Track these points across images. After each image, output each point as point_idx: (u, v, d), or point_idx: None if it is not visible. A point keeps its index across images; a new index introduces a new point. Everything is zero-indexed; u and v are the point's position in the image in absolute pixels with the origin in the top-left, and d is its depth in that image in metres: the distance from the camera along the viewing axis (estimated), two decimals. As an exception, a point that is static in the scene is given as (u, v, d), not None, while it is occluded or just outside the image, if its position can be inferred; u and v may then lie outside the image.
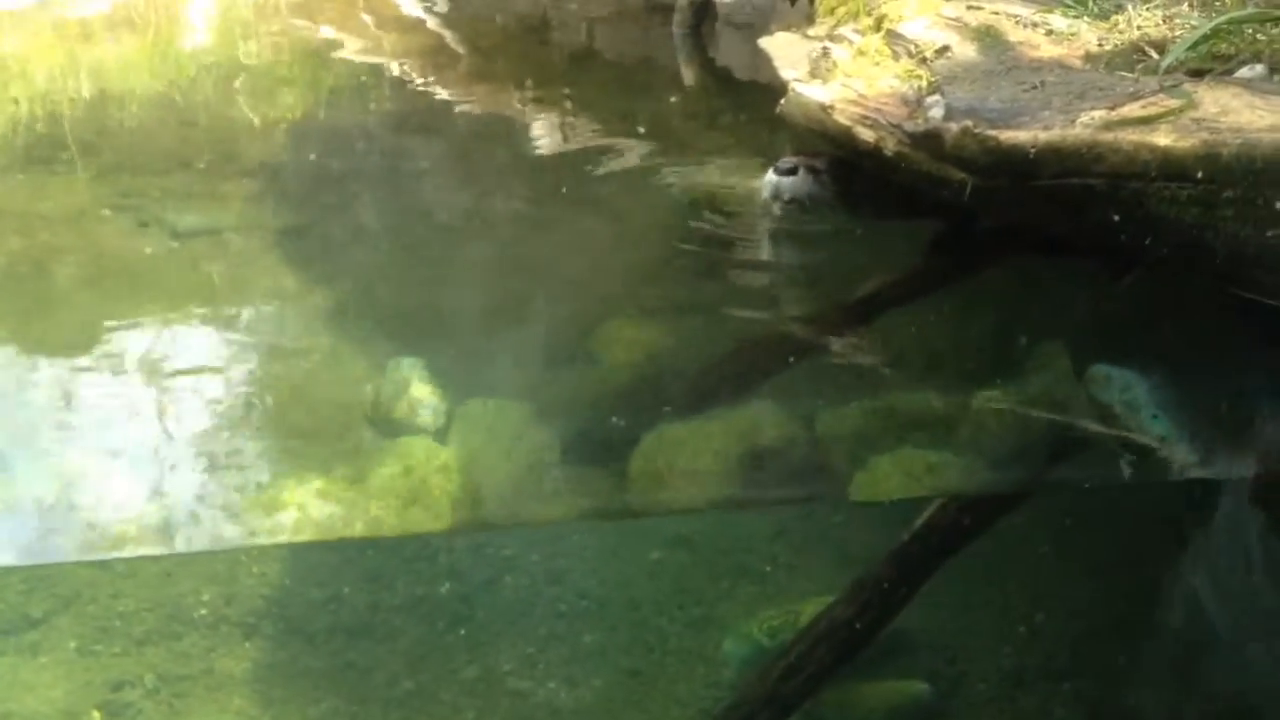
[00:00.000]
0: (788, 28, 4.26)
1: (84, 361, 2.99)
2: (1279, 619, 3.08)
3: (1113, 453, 2.54)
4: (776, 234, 3.37)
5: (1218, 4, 2.85)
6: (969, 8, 3.16)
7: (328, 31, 6.73)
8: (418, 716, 3.43)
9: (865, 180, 3.10)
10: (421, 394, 2.77)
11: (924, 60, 2.99)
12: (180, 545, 2.51)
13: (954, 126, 2.67)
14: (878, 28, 3.21)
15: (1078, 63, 2.84)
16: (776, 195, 3.27)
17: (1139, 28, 2.87)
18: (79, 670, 3.48)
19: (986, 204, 2.78)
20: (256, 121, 5.06)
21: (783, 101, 3.26)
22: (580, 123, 4.77)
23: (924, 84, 2.91)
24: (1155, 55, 2.72)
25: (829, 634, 2.93)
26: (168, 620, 3.60)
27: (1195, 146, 2.32)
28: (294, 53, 6.37)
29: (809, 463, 2.64)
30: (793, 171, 3.23)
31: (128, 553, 2.50)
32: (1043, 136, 2.54)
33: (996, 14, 3.13)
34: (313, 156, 4.67)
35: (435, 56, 6.16)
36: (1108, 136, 2.45)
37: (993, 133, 2.61)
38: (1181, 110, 2.43)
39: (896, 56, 3.08)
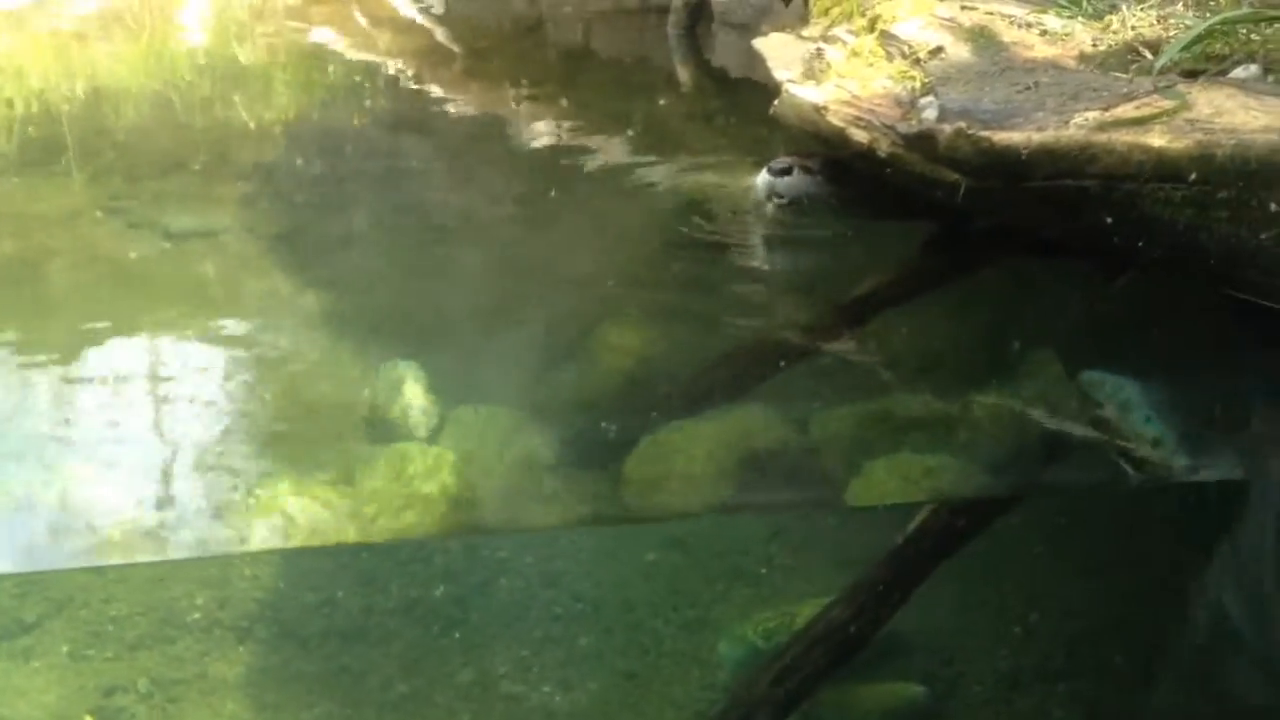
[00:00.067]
0: (783, 28, 4.25)
1: (76, 365, 2.98)
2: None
3: (1106, 456, 2.53)
4: (770, 235, 3.36)
5: (1212, 4, 2.84)
6: (963, 8, 3.15)
7: (322, 32, 6.72)
8: (412, 721, 3.42)
9: (859, 181, 3.09)
10: (415, 397, 2.76)
11: (918, 61, 2.98)
12: (172, 551, 2.50)
13: (947, 128, 2.66)
14: (871, 28, 3.20)
15: (1072, 63, 2.83)
16: (770, 196, 3.26)
17: (1133, 28, 2.86)
18: (71, 675, 3.47)
19: (980, 205, 2.77)
20: (251, 123, 5.05)
21: (776, 102, 3.25)
22: (575, 123, 4.76)
23: (917, 85, 2.91)
24: (1149, 56, 2.71)
25: (824, 637, 2.92)
26: (161, 624, 3.59)
27: (1189, 147, 2.31)
28: (288, 54, 6.36)
29: (805, 467, 2.63)
30: (786, 172, 3.22)
31: (119, 559, 2.48)
32: (1036, 138, 2.53)
33: (990, 14, 3.11)
34: (307, 158, 4.67)
35: (430, 57, 6.15)
36: (1101, 137, 2.44)
37: (986, 134, 2.60)
38: (1175, 111, 2.42)
39: (890, 57, 3.07)
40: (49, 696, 3.42)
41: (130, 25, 7.01)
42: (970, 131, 2.62)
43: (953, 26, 3.09)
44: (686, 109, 5.14)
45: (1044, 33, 3.00)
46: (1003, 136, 2.58)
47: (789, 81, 3.21)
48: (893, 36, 3.11)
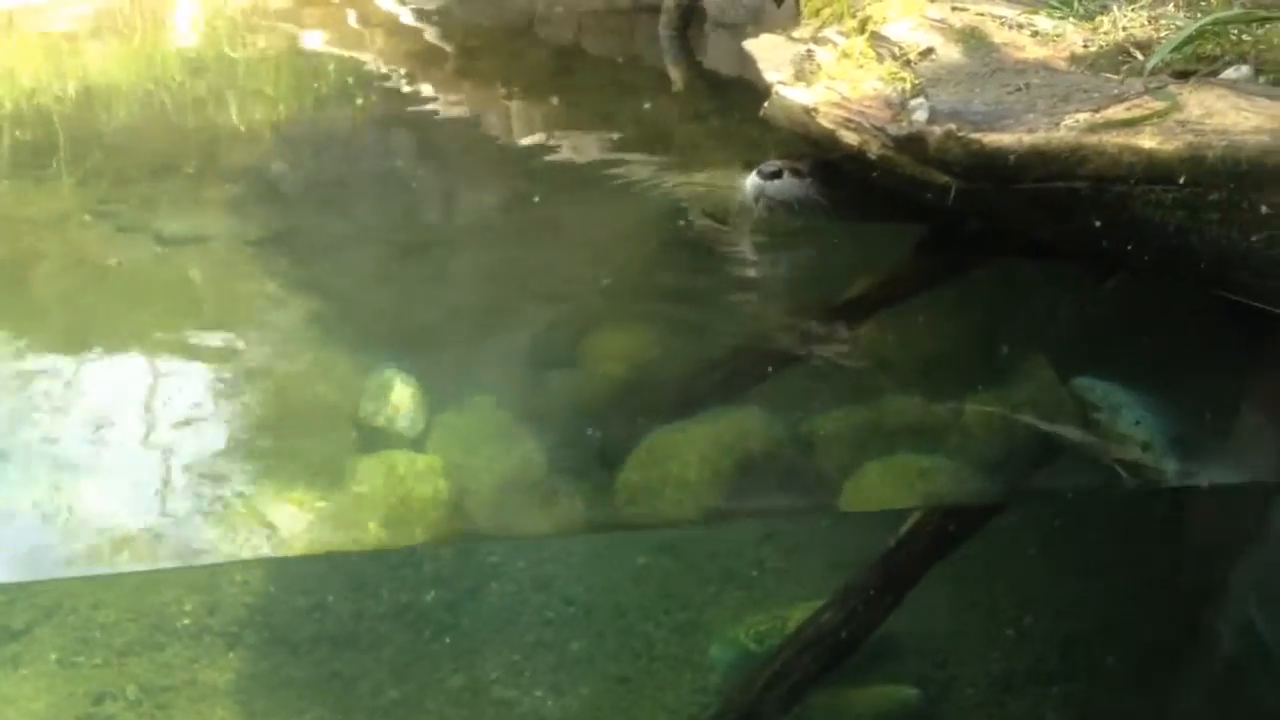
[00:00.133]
0: (776, 29, 4.23)
1: (65, 370, 2.97)
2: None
3: (1099, 460, 2.52)
4: (759, 238, 3.35)
5: (1203, 4, 2.82)
6: (953, 9, 3.14)
7: (314, 35, 6.72)
8: (403, 726, 3.41)
9: (849, 183, 3.07)
10: (403, 403, 2.74)
11: (908, 62, 2.96)
12: (160, 560, 2.48)
13: (938, 129, 2.65)
14: (862, 30, 3.19)
15: (1063, 64, 2.82)
16: (759, 199, 3.24)
17: (1124, 29, 2.85)
18: (60, 682, 3.45)
19: (971, 207, 2.76)
20: (242, 125, 5.05)
21: (766, 104, 3.23)
22: (566, 125, 4.75)
23: (908, 86, 2.89)
24: (1140, 56, 2.70)
25: (815, 641, 2.91)
26: (150, 631, 3.57)
27: (1180, 149, 2.30)
28: (280, 56, 6.35)
29: (798, 472, 2.61)
30: (776, 174, 3.20)
31: (106, 569, 2.46)
32: (1027, 139, 2.52)
33: (981, 15, 3.10)
34: (298, 160, 4.66)
35: (422, 59, 6.15)
36: (1092, 139, 2.43)
37: (976, 136, 2.59)
38: (1166, 112, 2.41)
39: (880, 59, 3.06)
40: (38, 704, 3.40)
41: (121, 27, 7.01)
42: (960, 133, 2.61)
43: (943, 28, 3.07)
44: (678, 110, 5.13)
45: (1035, 34, 2.99)
46: (993, 138, 2.57)
47: (779, 83, 3.20)
48: (883, 38, 3.10)
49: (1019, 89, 2.73)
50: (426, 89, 5.47)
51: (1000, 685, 3.43)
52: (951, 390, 2.69)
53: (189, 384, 2.92)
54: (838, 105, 2.97)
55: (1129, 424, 2.50)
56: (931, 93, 2.82)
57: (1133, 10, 2.89)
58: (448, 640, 3.58)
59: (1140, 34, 2.80)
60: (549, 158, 4.41)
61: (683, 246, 3.43)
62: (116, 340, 3.12)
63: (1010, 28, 3.04)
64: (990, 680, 3.44)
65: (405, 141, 4.91)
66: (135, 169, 4.44)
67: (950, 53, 2.97)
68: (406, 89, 5.54)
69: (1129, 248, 2.45)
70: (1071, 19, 3.00)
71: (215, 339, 3.14)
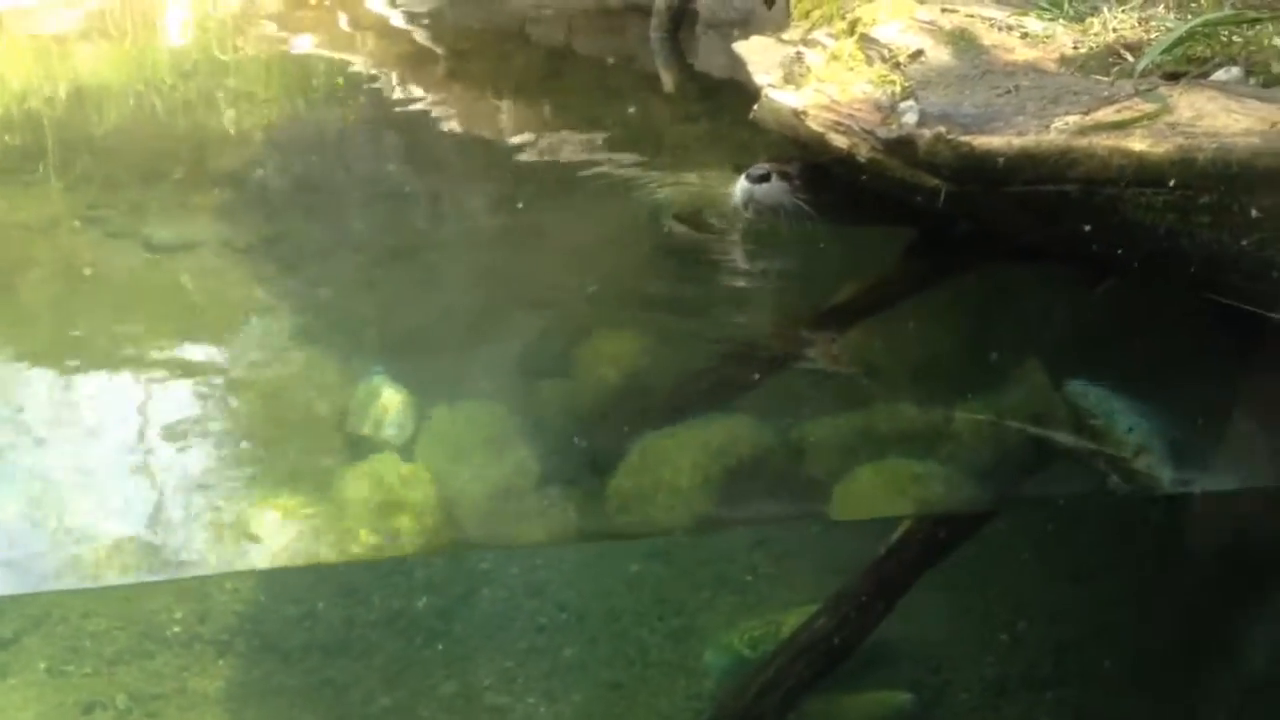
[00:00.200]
0: (768, 31, 4.22)
1: (53, 379, 2.96)
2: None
3: (1093, 466, 2.50)
4: (749, 242, 3.33)
5: (1193, 6, 2.81)
6: (943, 11, 3.12)
7: (305, 38, 6.71)
8: (395, 733, 3.39)
9: (839, 187, 3.06)
10: (391, 409, 2.72)
11: (897, 65, 2.95)
12: (144, 573, 2.46)
13: (927, 132, 2.64)
14: (851, 32, 3.16)
15: (1053, 66, 2.80)
16: (748, 203, 3.22)
17: (1114, 30, 2.83)
18: (50, 691, 3.45)
19: (961, 210, 2.74)
20: (232, 129, 5.04)
21: (755, 107, 3.21)
22: (557, 128, 4.74)
23: (897, 89, 2.87)
24: (1130, 58, 2.68)
25: (808, 649, 2.89)
26: (139, 639, 3.56)
27: (1170, 151, 2.29)
28: (270, 59, 6.35)
29: (788, 478, 2.60)
30: (764, 178, 3.18)
31: (89, 583, 2.44)
32: (1016, 142, 2.50)
33: (971, 17, 3.08)
34: (288, 165, 4.65)
35: (412, 61, 6.14)
36: (1082, 142, 2.41)
37: (966, 138, 2.57)
38: (1156, 115, 2.40)
39: (870, 61, 3.04)
40: (27, 714, 3.39)
41: (112, 30, 7.00)
42: (950, 136, 2.59)
43: (933, 29, 3.05)
44: (669, 113, 5.12)
45: (1025, 35, 2.97)
46: (983, 141, 2.55)
47: (769, 86, 3.18)
48: (873, 40, 3.08)
49: (1009, 91, 2.71)
50: (417, 92, 5.47)
51: (994, 690, 3.43)
52: (943, 396, 2.67)
53: (175, 392, 2.90)
54: (827, 108, 2.95)
55: (1122, 429, 2.48)
56: (921, 95, 2.80)
57: (1123, 12, 2.88)
58: (440, 647, 3.57)
59: (1130, 35, 2.78)
60: (539, 161, 4.40)
61: (671, 251, 3.42)
62: (103, 348, 3.10)
63: (1000, 30, 3.02)
64: (984, 685, 3.43)
65: (395, 145, 4.90)
66: (125, 174, 4.43)
67: (940, 55, 2.95)
68: (397, 92, 5.53)
69: (1119, 251, 2.43)
70: (1061, 20, 2.99)
71: (203, 346, 3.12)
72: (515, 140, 4.65)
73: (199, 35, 7.04)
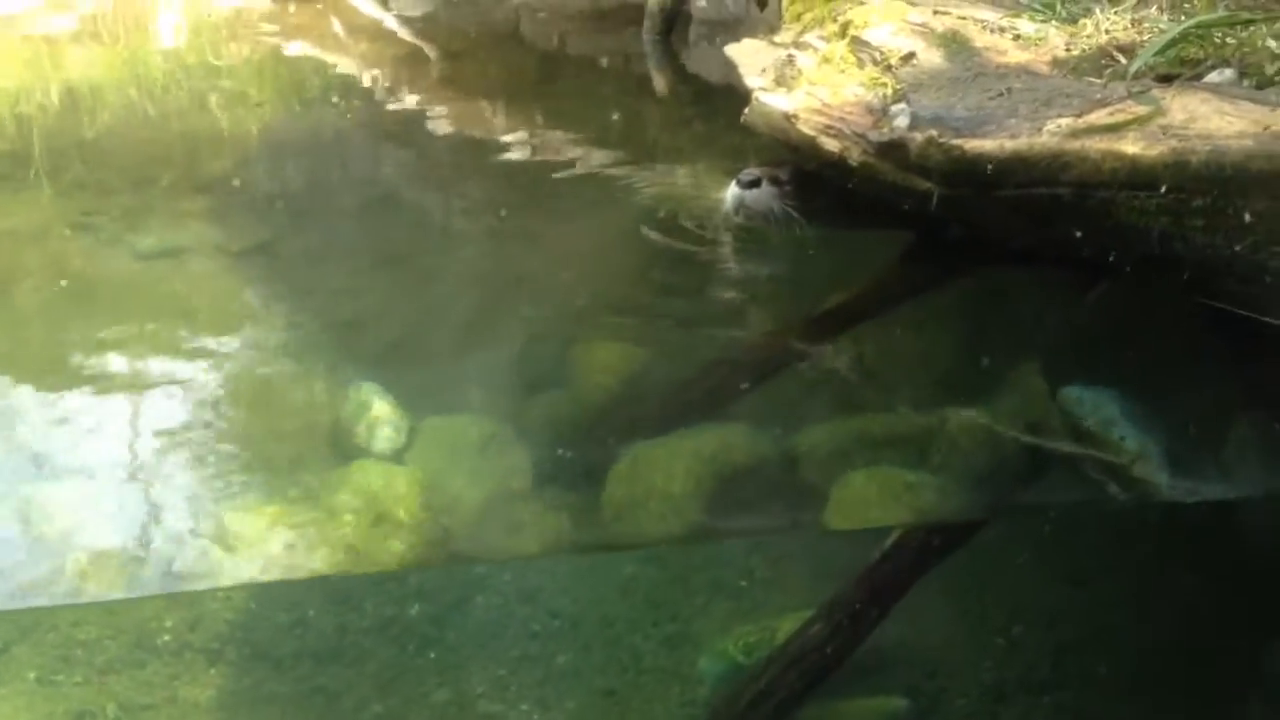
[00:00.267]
0: (761, 34, 4.21)
1: (40, 387, 2.93)
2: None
3: (1087, 474, 2.48)
4: (741, 248, 3.31)
5: (1186, 7, 2.80)
6: (935, 13, 3.10)
7: (297, 41, 6.69)
8: (388, 741, 3.37)
9: (830, 191, 3.04)
10: (384, 419, 2.71)
11: (889, 67, 2.94)
12: (130, 588, 2.43)
13: (919, 136, 2.63)
14: (843, 34, 3.15)
15: (1045, 68, 2.80)
16: (739, 209, 3.20)
17: (1107, 32, 2.82)
18: (39, 701, 3.42)
19: (953, 214, 2.73)
20: (225, 133, 5.02)
21: (746, 110, 3.20)
22: (549, 133, 4.73)
23: (889, 92, 2.86)
24: (1123, 60, 2.68)
25: (800, 658, 2.87)
26: (130, 648, 3.53)
27: (1163, 154, 2.28)
28: (263, 63, 6.33)
29: (782, 487, 2.58)
30: (754, 184, 3.16)
31: (75, 599, 2.42)
32: (1009, 145, 2.50)
33: (963, 19, 3.07)
34: (281, 170, 4.64)
35: (406, 65, 6.13)
36: (1075, 145, 2.41)
37: (958, 142, 2.57)
38: (1149, 117, 2.39)
39: (861, 64, 3.03)
40: (16, 723, 3.38)
41: (104, 35, 6.99)
42: (942, 139, 2.59)
43: (925, 32, 3.04)
44: (662, 116, 5.11)
45: (1017, 37, 2.96)
46: (975, 144, 2.55)
47: (760, 89, 3.17)
48: (864, 43, 3.07)
49: (1001, 94, 2.71)
50: (409, 96, 5.46)
51: (991, 695, 3.41)
52: (937, 402, 2.65)
53: (165, 400, 2.89)
54: (818, 111, 2.94)
55: (1118, 436, 2.46)
56: (913, 98, 2.79)
57: (1115, 13, 2.87)
58: (432, 654, 3.55)
59: (1123, 37, 2.78)
60: (530, 167, 4.38)
61: (663, 258, 3.39)
62: (91, 356, 3.08)
63: (992, 32, 3.01)
64: (981, 690, 3.41)
65: (387, 150, 4.89)
66: (117, 178, 4.41)
67: (932, 57, 2.94)
68: (389, 96, 5.52)
69: (1113, 255, 2.42)
70: (1054, 22, 2.98)
71: (194, 353, 3.10)
72: (507, 145, 4.62)
73: (191, 38, 7.03)
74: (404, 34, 6.74)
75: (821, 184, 3.06)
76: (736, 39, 4.09)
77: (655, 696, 3.44)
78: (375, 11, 7.15)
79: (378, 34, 6.79)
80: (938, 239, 2.95)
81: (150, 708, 3.41)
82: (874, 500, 2.50)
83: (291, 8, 7.51)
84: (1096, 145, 2.37)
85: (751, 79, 3.38)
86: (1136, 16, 2.84)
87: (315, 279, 3.57)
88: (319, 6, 7.48)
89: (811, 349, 2.92)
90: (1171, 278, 2.36)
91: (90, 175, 4.50)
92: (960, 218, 2.77)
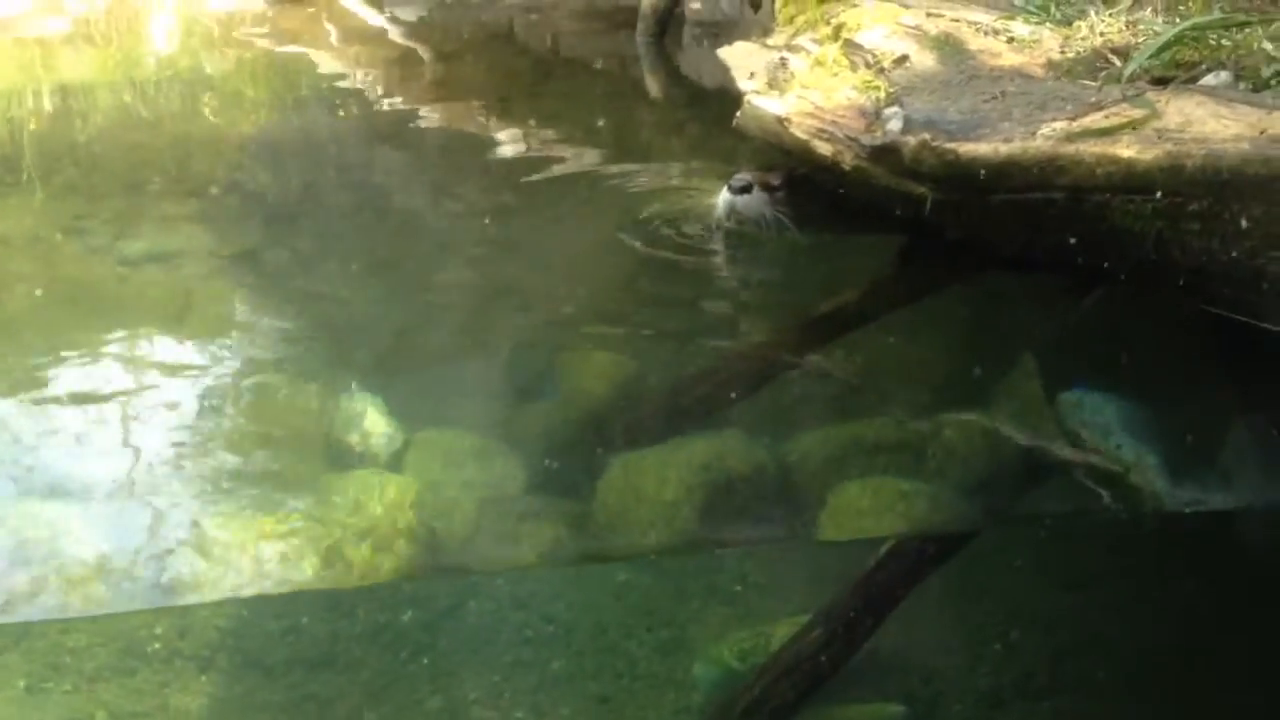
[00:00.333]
0: (755, 36, 4.20)
1: (26, 396, 2.91)
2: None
3: (1084, 483, 2.46)
4: (732, 254, 3.29)
5: (1182, 9, 2.78)
6: (928, 15, 3.09)
7: (291, 44, 6.69)
8: (381, 749, 3.35)
9: (821, 195, 3.02)
10: (375, 425, 2.68)
11: (882, 70, 2.92)
12: (120, 600, 2.41)
13: (912, 140, 2.61)
14: (835, 37, 3.14)
15: (1039, 71, 2.78)
16: (730, 214, 3.18)
17: (1101, 34, 2.81)
18: (30, 709, 3.40)
19: (947, 219, 2.71)
20: (218, 137, 5.02)
21: (738, 114, 3.18)
22: (541, 137, 4.71)
23: (882, 95, 2.85)
24: (1118, 63, 2.66)
25: (794, 668, 2.85)
26: (120, 655, 3.52)
27: (1158, 158, 2.27)
28: (257, 66, 6.33)
29: (775, 496, 2.55)
30: (745, 189, 3.13)
31: (60, 613, 2.40)
32: (1003, 149, 2.48)
33: (957, 21, 3.06)
34: (273, 173, 4.62)
35: (399, 67, 6.12)
36: (1069, 149, 2.39)
37: (952, 145, 2.55)
38: (1144, 121, 2.38)
39: (854, 67, 3.01)
40: (6, 732, 3.36)
41: (97, 38, 6.98)
42: (935, 143, 2.57)
43: (918, 34, 3.03)
44: (655, 119, 5.10)
45: (1011, 40, 2.95)
46: (968, 148, 2.53)
47: (752, 92, 3.15)
48: (857, 45, 3.05)
49: (995, 97, 2.69)
50: (403, 98, 5.45)
51: (988, 701, 3.39)
52: (932, 409, 2.63)
53: (157, 405, 2.86)
54: (811, 115, 2.92)
55: (1115, 444, 2.43)
56: (906, 101, 2.78)
57: (1110, 15, 2.86)
58: (425, 661, 3.53)
59: (1118, 39, 2.76)
60: (522, 170, 4.36)
61: (655, 264, 3.37)
62: (80, 361, 3.06)
63: (986, 34, 3.00)
64: (978, 696, 3.40)
65: (380, 154, 4.87)
66: (108, 182, 4.40)
67: (925, 60, 2.93)
68: (382, 98, 5.50)
69: (1108, 261, 2.40)
70: (1048, 25, 2.96)
71: (184, 359, 3.08)
72: (500, 148, 4.61)
73: (184, 41, 7.02)
74: (397, 36, 6.73)
75: (814, 188, 3.04)
76: (730, 41, 4.09)
77: (649, 703, 3.43)
78: (368, 14, 7.14)
79: (371, 36, 6.79)
80: (932, 244, 2.93)
81: (140, 715, 3.40)
82: (868, 510, 2.47)
83: (284, 10, 7.51)
84: (1091, 149, 2.36)
85: (744, 82, 3.36)
86: (1131, 19, 2.83)
87: (306, 283, 3.55)
88: (311, 10, 7.47)
89: (804, 355, 2.91)
90: (1168, 283, 2.34)
91: (82, 179, 4.48)
92: (954, 223, 2.75)
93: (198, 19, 7.38)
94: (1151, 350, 2.73)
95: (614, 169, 4.13)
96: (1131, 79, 2.56)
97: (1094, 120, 2.44)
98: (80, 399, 2.89)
